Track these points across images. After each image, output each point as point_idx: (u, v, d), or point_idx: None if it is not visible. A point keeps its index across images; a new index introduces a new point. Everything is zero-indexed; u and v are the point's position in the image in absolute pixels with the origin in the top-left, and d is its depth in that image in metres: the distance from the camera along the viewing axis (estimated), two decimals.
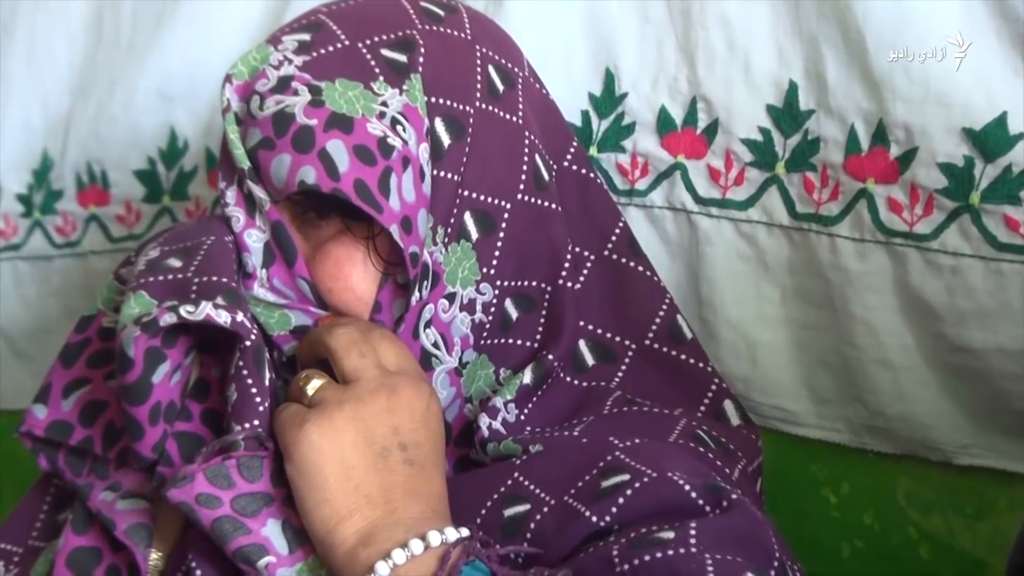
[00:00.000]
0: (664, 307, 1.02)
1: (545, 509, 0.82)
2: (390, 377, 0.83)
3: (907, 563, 1.18)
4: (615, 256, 1.01)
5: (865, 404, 1.15)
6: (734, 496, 0.80)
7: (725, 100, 1.15)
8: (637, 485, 0.80)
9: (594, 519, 0.80)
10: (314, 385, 0.83)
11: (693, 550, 0.74)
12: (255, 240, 0.89)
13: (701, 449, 0.91)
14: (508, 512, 0.84)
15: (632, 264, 1.02)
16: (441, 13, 0.96)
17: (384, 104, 0.89)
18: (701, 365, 1.01)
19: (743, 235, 1.17)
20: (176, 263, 0.86)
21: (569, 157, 1.01)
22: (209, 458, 0.81)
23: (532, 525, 0.82)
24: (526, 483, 0.85)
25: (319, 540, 0.78)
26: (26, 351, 1.69)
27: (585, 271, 1.01)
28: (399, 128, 0.88)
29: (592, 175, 1.03)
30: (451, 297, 0.91)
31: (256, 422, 0.82)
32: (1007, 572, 0.86)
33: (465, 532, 0.78)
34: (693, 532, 0.76)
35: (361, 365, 0.83)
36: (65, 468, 0.93)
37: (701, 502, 0.80)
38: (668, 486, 0.80)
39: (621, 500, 0.80)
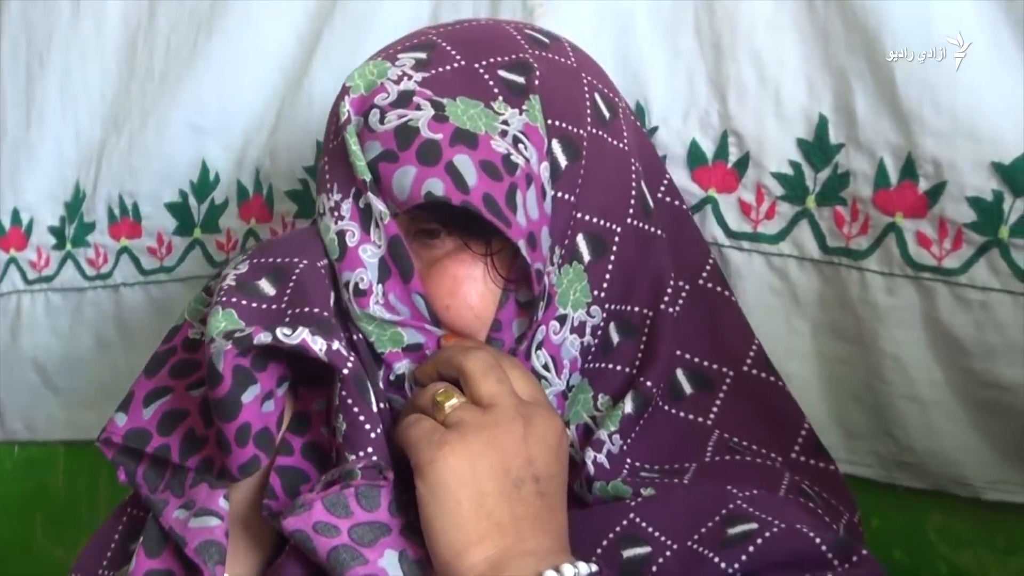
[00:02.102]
0: (757, 337, 1.01)
1: (668, 553, 0.82)
2: (527, 407, 0.82)
3: None
4: (710, 285, 1.01)
5: (895, 439, 1.15)
6: (864, 552, 0.80)
7: (756, 134, 1.16)
8: (767, 535, 0.80)
9: (723, 565, 0.79)
10: (453, 403, 0.82)
11: None
12: (370, 255, 0.88)
13: (811, 504, 0.91)
14: (627, 553, 0.83)
15: (727, 293, 1.01)
16: (546, 40, 0.97)
17: (505, 123, 0.88)
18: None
19: (774, 269, 1.18)
20: (268, 289, 0.86)
21: (663, 189, 1.02)
22: (327, 487, 0.80)
23: (654, 568, 0.81)
24: (644, 525, 0.84)
25: (443, 563, 0.77)
26: (58, 382, 1.71)
27: (681, 300, 1.00)
28: (520, 146, 0.88)
29: (684, 207, 1.03)
30: (562, 319, 0.91)
31: (370, 450, 0.81)
32: None
33: (595, 568, 0.76)
34: None
35: (499, 391, 0.82)
36: (142, 483, 0.91)
37: (831, 555, 0.80)
38: (799, 537, 0.80)
39: (751, 548, 0.79)
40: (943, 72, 1.05)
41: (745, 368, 1.00)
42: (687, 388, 0.99)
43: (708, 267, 1.02)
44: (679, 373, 0.99)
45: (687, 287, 1.01)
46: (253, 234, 1.48)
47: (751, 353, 1.00)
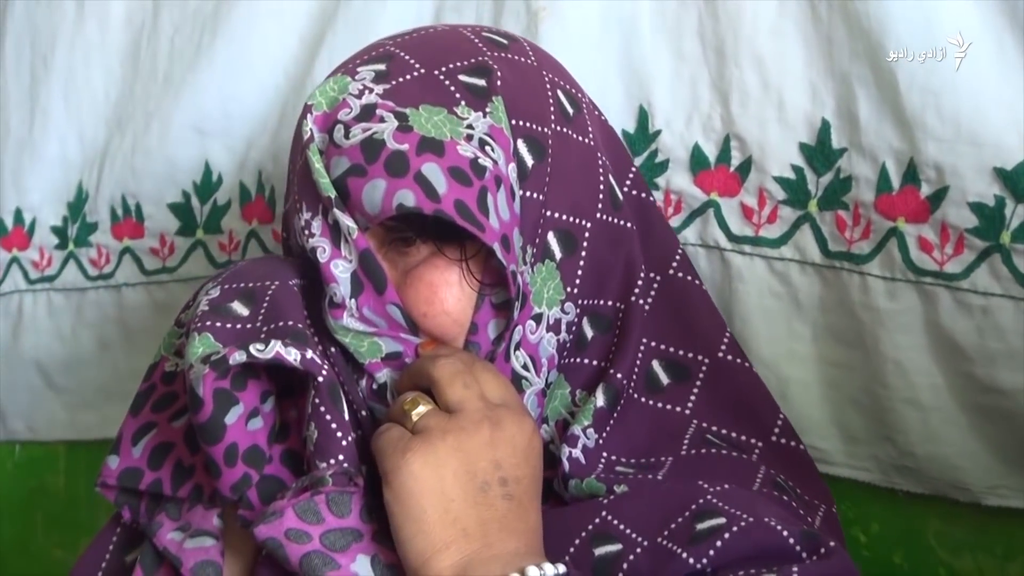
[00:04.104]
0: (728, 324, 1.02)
1: (638, 550, 0.82)
2: (494, 410, 0.83)
3: None
4: (680, 274, 1.02)
5: (895, 444, 1.15)
6: (832, 544, 0.80)
7: (758, 138, 1.16)
8: (735, 529, 0.80)
9: (691, 561, 0.79)
10: (420, 411, 0.83)
11: None
12: (342, 270, 0.88)
13: (785, 498, 0.91)
14: (599, 551, 0.83)
15: (697, 282, 1.02)
16: (504, 42, 0.97)
17: (470, 127, 0.89)
18: None
19: (776, 273, 1.18)
20: (242, 310, 0.87)
21: (629, 182, 1.02)
22: (298, 494, 0.81)
23: (625, 566, 0.82)
24: (616, 523, 0.85)
25: (412, 570, 0.77)
26: (60, 383, 1.70)
27: (653, 291, 1.01)
28: (487, 148, 0.88)
29: (651, 199, 1.04)
30: (538, 318, 0.91)
31: (341, 457, 0.82)
32: None
33: (562, 568, 0.77)
34: None
35: (465, 396, 0.83)
36: (144, 515, 0.94)
37: (799, 548, 0.80)
38: (766, 531, 0.81)
39: (719, 543, 0.80)
40: (946, 78, 1.05)
41: (720, 354, 1.00)
42: (664, 379, 1.00)
43: (678, 256, 1.02)
44: (655, 364, 1.00)
45: (658, 278, 1.01)
46: (255, 235, 1.49)
47: (725, 339, 1.01)
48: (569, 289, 0.93)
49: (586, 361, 0.97)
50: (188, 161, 1.52)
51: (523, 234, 0.91)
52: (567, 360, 0.96)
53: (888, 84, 1.08)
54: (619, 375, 0.95)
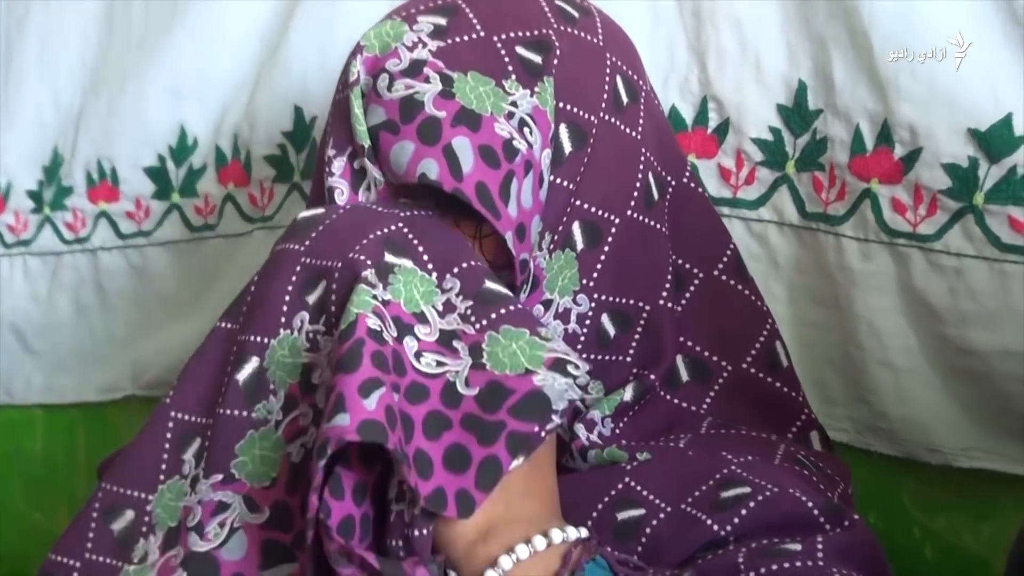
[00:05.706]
0: (764, 333, 1.00)
1: (661, 515, 0.82)
2: None
3: (911, 563, 1.18)
4: (723, 277, 1.00)
5: (869, 405, 1.16)
6: (855, 516, 0.81)
7: (736, 100, 1.16)
8: (760, 498, 0.81)
9: (715, 527, 0.80)
10: None
11: (821, 563, 0.76)
12: None
13: (806, 472, 0.91)
14: (621, 516, 0.83)
15: (739, 287, 1.01)
16: (575, 14, 0.94)
17: (514, 104, 0.87)
18: (793, 394, 1.00)
19: (754, 234, 1.18)
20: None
21: (688, 174, 1.01)
22: None
23: (648, 530, 0.82)
24: (639, 488, 0.85)
25: (435, 533, 0.76)
26: (36, 346, 1.70)
27: (692, 288, 1.00)
28: (526, 130, 0.86)
29: (705, 194, 1.02)
30: (547, 304, 0.90)
31: None
32: (1007, 566, 0.86)
33: (584, 532, 0.77)
34: (820, 546, 0.77)
35: None
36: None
37: (823, 519, 0.80)
38: (791, 501, 0.81)
39: (744, 511, 0.80)
40: (920, 39, 1.05)
41: (744, 365, 1.00)
42: (684, 375, 0.99)
43: (725, 257, 1.01)
44: (679, 360, 0.99)
45: (700, 275, 1.00)
46: (231, 199, 1.49)
47: (753, 351, 1.00)
48: (585, 281, 0.92)
49: (606, 357, 0.95)
50: (163, 125, 1.52)
51: (545, 220, 0.89)
52: (587, 356, 0.94)
53: (863, 45, 1.08)
54: (652, 376, 0.94)
